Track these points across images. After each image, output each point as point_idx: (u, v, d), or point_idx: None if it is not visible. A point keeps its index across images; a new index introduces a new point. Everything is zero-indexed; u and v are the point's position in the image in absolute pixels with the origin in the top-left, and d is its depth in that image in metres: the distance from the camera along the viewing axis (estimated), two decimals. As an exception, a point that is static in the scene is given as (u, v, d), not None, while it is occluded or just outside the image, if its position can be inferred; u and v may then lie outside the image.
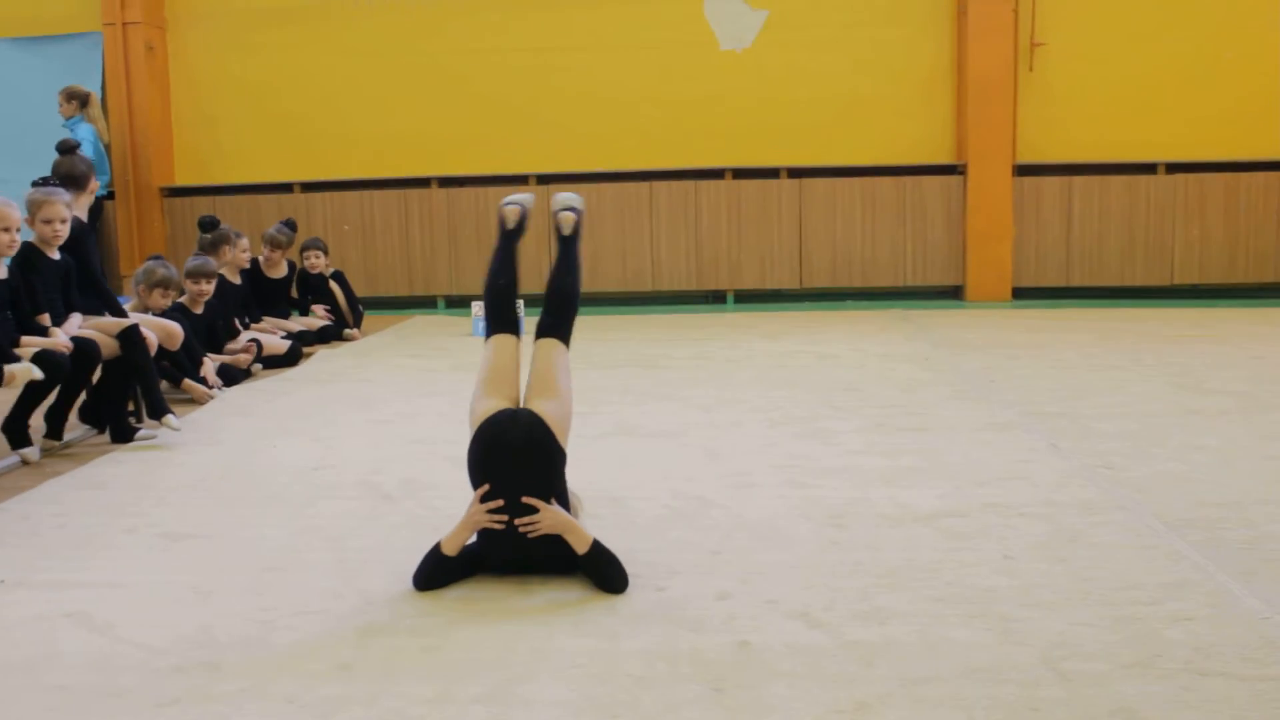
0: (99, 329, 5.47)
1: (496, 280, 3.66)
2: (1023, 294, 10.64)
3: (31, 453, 5.10)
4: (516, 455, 3.27)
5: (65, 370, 5.04)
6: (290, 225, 8.95)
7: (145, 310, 6.39)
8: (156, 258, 6.59)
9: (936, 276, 10.75)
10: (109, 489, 4.55)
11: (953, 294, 10.94)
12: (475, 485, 3.30)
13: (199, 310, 7.10)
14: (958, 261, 10.67)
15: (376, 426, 5.56)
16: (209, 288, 7.11)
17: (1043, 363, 6.99)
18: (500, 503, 3.24)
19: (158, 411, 5.47)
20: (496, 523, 3.25)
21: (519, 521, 3.23)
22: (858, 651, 2.78)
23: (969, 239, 10.55)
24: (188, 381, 6.40)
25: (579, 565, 3.26)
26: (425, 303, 11.20)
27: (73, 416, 5.57)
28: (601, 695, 2.57)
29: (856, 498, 4.15)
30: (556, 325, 3.60)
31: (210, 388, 6.54)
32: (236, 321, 7.74)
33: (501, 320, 3.61)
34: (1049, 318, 9.30)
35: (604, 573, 3.22)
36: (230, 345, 7.39)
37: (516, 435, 3.29)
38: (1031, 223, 10.51)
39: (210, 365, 6.75)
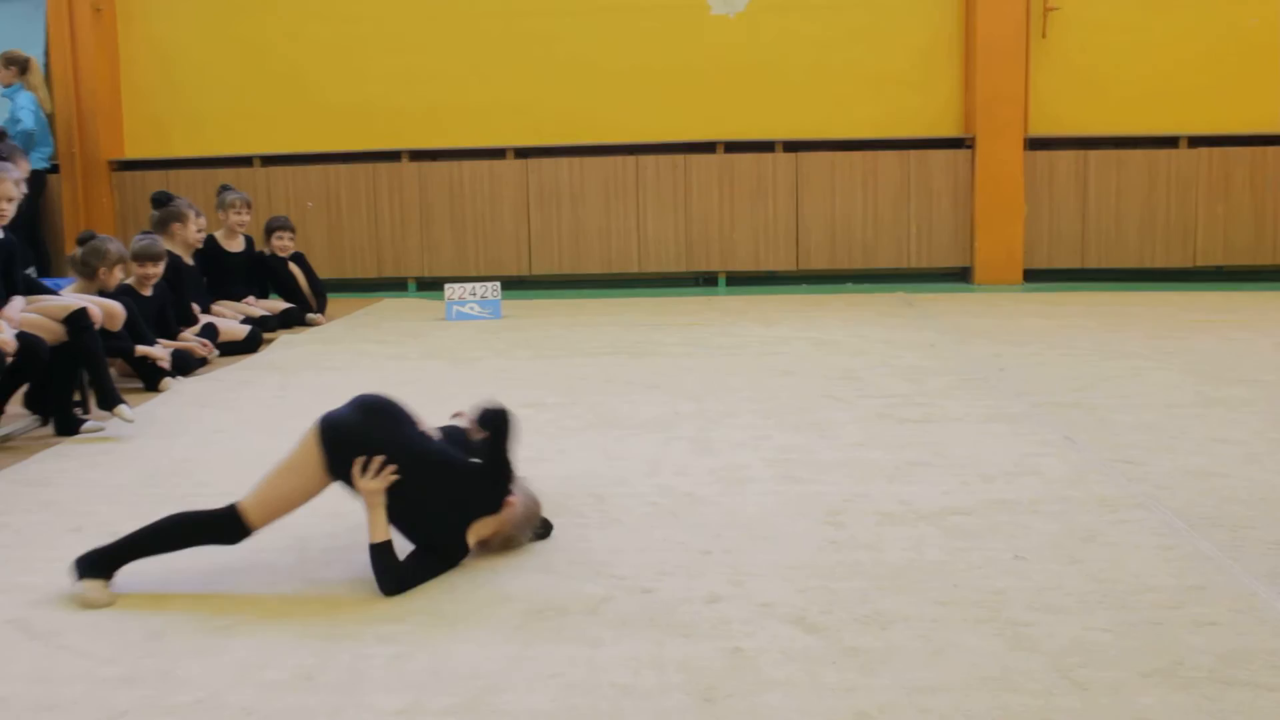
0: (44, 312, 5.44)
1: None
2: (1035, 276, 10.65)
3: None
4: (378, 410, 3.48)
5: (2, 371, 4.99)
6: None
7: (95, 292, 6.34)
8: (90, 235, 6.49)
9: (942, 258, 10.76)
10: (53, 485, 4.52)
11: (960, 276, 10.95)
12: (343, 469, 3.36)
13: (147, 293, 7.03)
14: (965, 242, 10.67)
15: (322, 392, 5.52)
16: (156, 270, 7.03)
17: (1056, 350, 7.00)
18: (381, 458, 3.35)
19: (109, 401, 5.44)
20: (392, 476, 3.34)
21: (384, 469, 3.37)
22: (858, 659, 2.78)
23: (977, 217, 10.55)
24: (141, 348, 6.36)
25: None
26: (395, 285, 11.17)
27: (11, 406, 5.54)
28: (583, 706, 2.56)
29: (856, 494, 4.15)
30: None
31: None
32: (195, 307, 7.68)
33: None
34: (1063, 302, 9.31)
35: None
36: (184, 333, 7.34)
37: (367, 397, 3.54)
38: (1044, 200, 10.52)
39: (161, 346, 6.69)
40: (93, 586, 3.28)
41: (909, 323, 8.32)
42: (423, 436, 3.52)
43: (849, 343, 7.47)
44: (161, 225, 7.81)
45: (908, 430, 5.07)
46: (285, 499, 3.43)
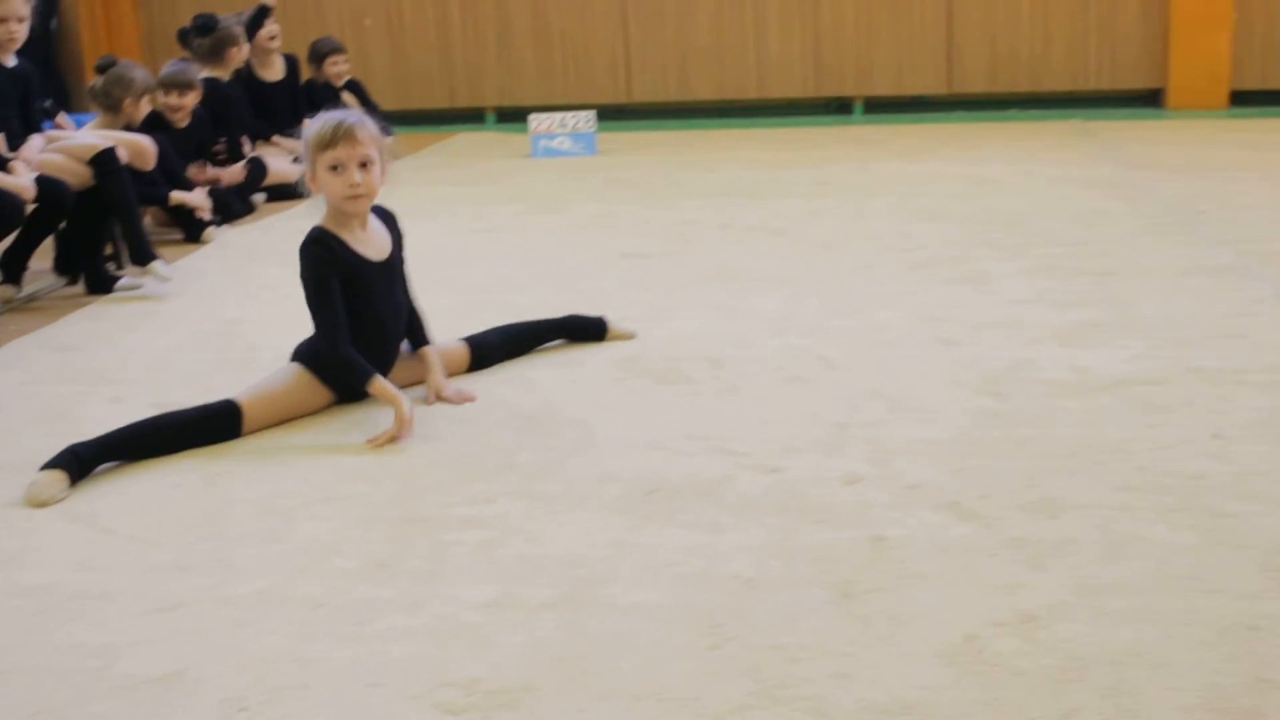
0: (68, 153, 5.54)
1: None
2: (1243, 100, 10.34)
3: None
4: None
5: (20, 220, 5.11)
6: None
7: (121, 128, 6.43)
8: (111, 61, 6.54)
9: (1128, 78, 10.49)
10: (86, 351, 4.66)
11: (1149, 100, 10.67)
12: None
13: (182, 125, 7.09)
14: (1157, 58, 10.38)
15: (412, 268, 5.58)
16: (183, 101, 7.05)
17: (1268, 187, 6.83)
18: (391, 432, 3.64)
19: (142, 256, 5.56)
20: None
21: None
22: (1022, 551, 2.79)
23: (1172, 28, 10.23)
24: (176, 194, 6.45)
25: None
26: (470, 116, 11.19)
27: (36, 261, 5.68)
28: (699, 601, 2.61)
29: (1022, 359, 4.12)
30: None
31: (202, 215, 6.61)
32: (245, 141, 7.74)
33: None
34: (1277, 130, 9.05)
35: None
36: (226, 170, 7.40)
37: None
38: (1258, 3, 10.15)
39: (200, 192, 6.78)
40: (50, 478, 3.30)
41: (1086, 156, 8.18)
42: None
43: (1012, 181, 7.37)
44: (215, 54, 7.78)
45: (1084, 285, 5.01)
46: (291, 409, 3.74)
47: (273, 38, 8.68)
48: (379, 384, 3.66)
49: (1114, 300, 4.78)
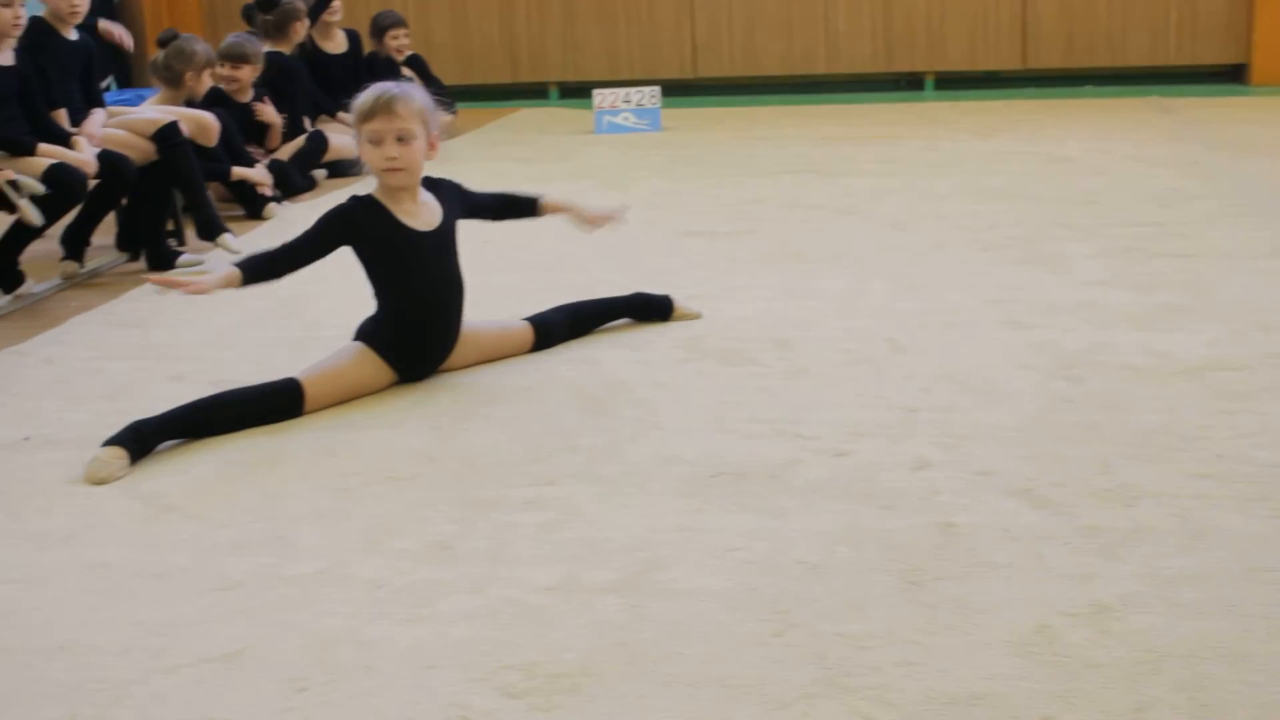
0: (130, 128, 5.61)
1: None
2: (1329, 75, 10.19)
3: (27, 287, 5.23)
4: None
5: (82, 195, 5.17)
6: None
7: (182, 102, 6.50)
8: (173, 35, 6.62)
9: (1210, 53, 10.36)
10: (149, 327, 4.72)
11: (1232, 75, 10.53)
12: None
13: (243, 99, 7.16)
14: (1240, 33, 10.24)
15: (476, 247, 5.60)
16: (240, 74, 7.11)
17: (1354, 167, 6.74)
18: None
19: (210, 230, 5.62)
20: None
21: None
22: (1096, 540, 2.77)
23: (1257, 2, 10.08)
24: (238, 170, 6.53)
25: None
26: (533, 92, 11.20)
27: (98, 236, 5.75)
28: (764, 586, 2.61)
29: (1097, 342, 4.09)
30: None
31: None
32: (306, 119, 7.81)
33: None
34: (1364, 107, 8.93)
35: None
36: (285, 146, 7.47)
37: None
38: (1345, -23, 10.00)
39: (262, 168, 6.85)
40: (110, 454, 3.34)
41: (1165, 134, 8.10)
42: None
43: (1088, 159, 7.31)
44: (279, 29, 7.87)
45: (1162, 266, 4.96)
46: (352, 388, 3.78)
47: (334, 11, 8.72)
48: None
49: (1193, 283, 4.73)
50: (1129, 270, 4.93)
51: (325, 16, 8.64)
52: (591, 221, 4.26)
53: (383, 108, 3.72)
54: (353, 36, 8.92)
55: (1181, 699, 2.15)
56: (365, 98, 3.75)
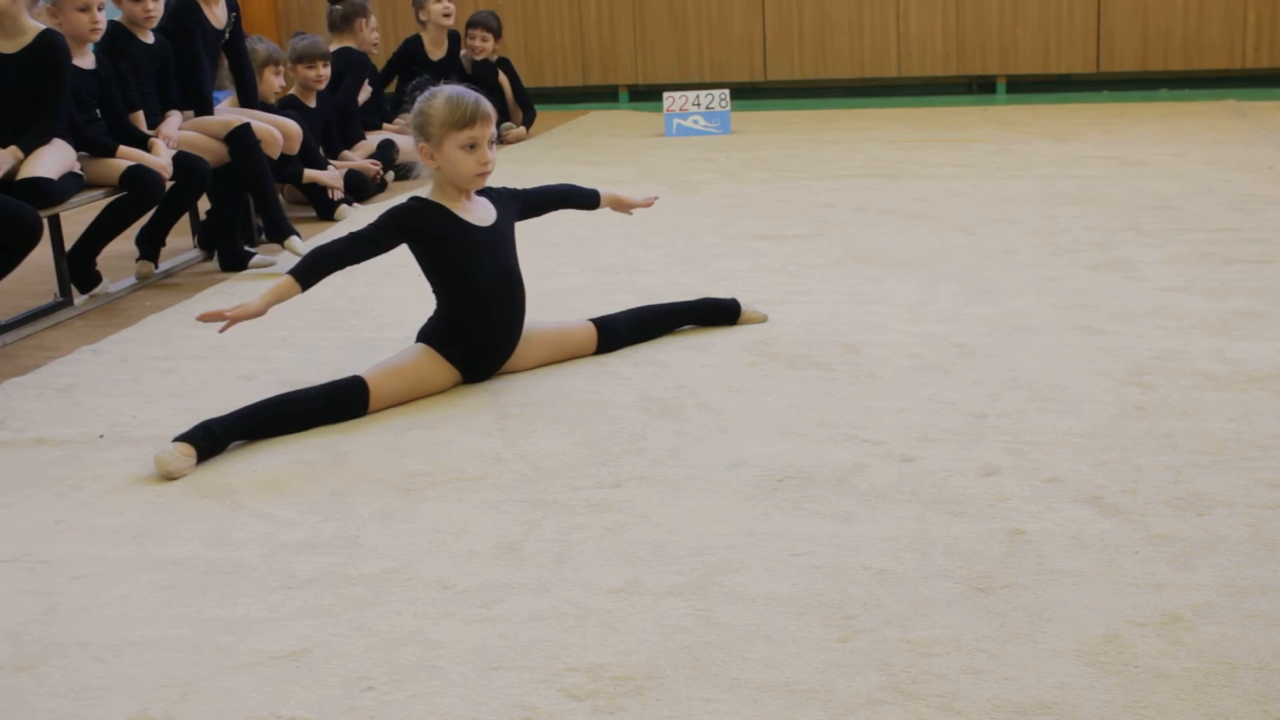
0: (203, 129, 5.67)
1: None
2: None
3: (103, 287, 5.33)
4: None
5: (159, 197, 5.24)
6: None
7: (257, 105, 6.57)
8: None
9: (1288, 55, 10.22)
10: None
11: (1310, 79, 10.39)
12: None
13: (311, 103, 7.22)
14: (1319, 34, 10.09)
15: (545, 249, 5.64)
16: (314, 74, 7.16)
17: None
18: None
19: (279, 232, 5.68)
20: None
21: None
22: (1168, 549, 2.73)
23: (1337, 3, 9.94)
24: (310, 172, 6.59)
25: None
26: (604, 94, 11.23)
27: (173, 238, 5.82)
28: (830, 592, 2.60)
29: (1169, 349, 4.04)
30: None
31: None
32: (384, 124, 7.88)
33: None
34: None
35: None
36: (345, 153, 7.52)
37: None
38: None
39: (334, 170, 6.91)
40: (179, 450, 3.38)
41: (1241, 138, 8.00)
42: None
43: (1162, 163, 7.23)
44: (346, 22, 7.96)
45: (1237, 272, 4.90)
46: (417, 388, 3.83)
47: (447, 15, 8.78)
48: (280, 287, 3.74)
49: (1269, 289, 4.67)
50: (1203, 276, 4.87)
51: (439, 20, 8.65)
52: (631, 205, 4.46)
53: (482, 115, 3.80)
54: (453, 39, 8.94)
55: (1254, 711, 2.12)
56: (458, 104, 3.78)
